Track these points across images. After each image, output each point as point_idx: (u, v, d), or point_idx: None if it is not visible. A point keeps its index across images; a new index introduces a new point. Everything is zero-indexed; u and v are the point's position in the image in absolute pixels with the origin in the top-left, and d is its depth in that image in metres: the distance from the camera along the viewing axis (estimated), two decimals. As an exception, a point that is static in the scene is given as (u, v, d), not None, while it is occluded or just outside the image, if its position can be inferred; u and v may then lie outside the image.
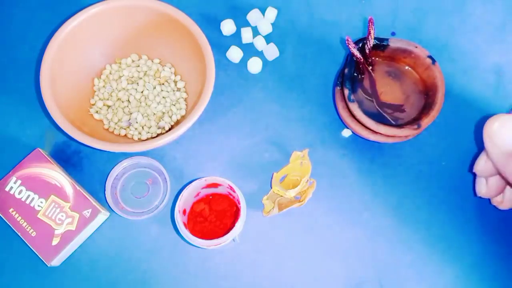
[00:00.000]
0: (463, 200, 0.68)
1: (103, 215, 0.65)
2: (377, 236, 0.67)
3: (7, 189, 0.63)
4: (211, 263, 0.65)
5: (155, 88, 0.69)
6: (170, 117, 0.68)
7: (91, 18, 0.64)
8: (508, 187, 0.61)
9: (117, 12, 0.65)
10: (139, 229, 0.66)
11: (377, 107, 0.67)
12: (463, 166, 0.69)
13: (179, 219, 0.59)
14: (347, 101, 0.65)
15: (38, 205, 0.63)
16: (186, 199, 0.61)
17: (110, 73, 0.70)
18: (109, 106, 0.69)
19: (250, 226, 0.66)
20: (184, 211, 0.62)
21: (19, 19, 0.74)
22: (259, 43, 0.73)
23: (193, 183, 0.60)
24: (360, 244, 0.66)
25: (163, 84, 0.69)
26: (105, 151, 0.64)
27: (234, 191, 0.61)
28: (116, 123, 0.68)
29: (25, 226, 0.62)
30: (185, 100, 0.70)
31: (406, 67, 0.68)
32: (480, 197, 0.65)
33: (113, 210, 0.65)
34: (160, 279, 0.65)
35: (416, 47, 0.66)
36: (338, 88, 0.68)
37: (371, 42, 0.65)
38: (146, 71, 0.69)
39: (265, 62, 0.73)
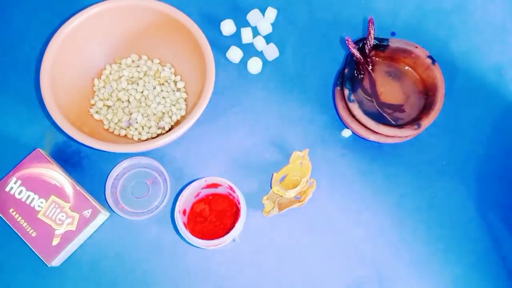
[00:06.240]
0: (463, 200, 0.68)
1: (103, 215, 0.65)
2: (377, 236, 0.67)
3: (7, 189, 0.63)
4: (211, 263, 0.65)
5: (155, 88, 0.69)
6: (170, 117, 0.68)
7: (91, 18, 0.64)
8: None
9: (117, 12, 0.65)
10: (139, 229, 0.66)
11: (377, 107, 0.67)
12: (463, 166, 0.69)
13: (179, 219, 0.59)
14: (347, 101, 0.65)
15: (38, 206, 0.63)
16: (186, 199, 0.61)
17: (110, 73, 0.70)
18: (109, 107, 0.69)
19: (250, 226, 0.66)
20: (184, 211, 0.62)
21: (19, 19, 0.74)
22: (259, 43, 0.72)
23: (193, 184, 0.60)
24: (360, 244, 0.66)
25: (163, 84, 0.69)
26: (105, 151, 0.64)
27: (234, 191, 0.61)
28: (116, 124, 0.68)
29: (25, 226, 0.62)
30: (185, 100, 0.70)
31: (406, 67, 0.68)
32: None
33: (113, 210, 0.65)
34: (160, 279, 0.65)
35: (416, 47, 0.66)
36: (338, 88, 0.68)
37: (371, 42, 0.65)
38: (146, 71, 0.69)
39: (265, 62, 0.73)
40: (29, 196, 0.63)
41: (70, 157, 0.69)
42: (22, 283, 0.64)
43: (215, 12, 0.74)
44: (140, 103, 0.68)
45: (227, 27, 0.73)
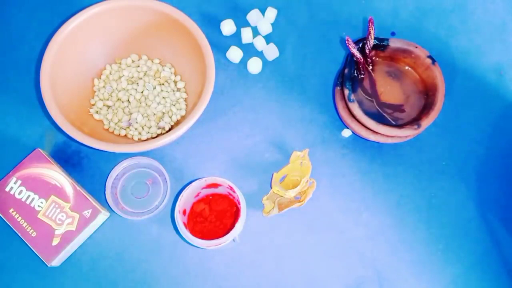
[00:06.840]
0: (463, 200, 0.68)
1: (103, 215, 0.65)
2: (377, 236, 0.67)
3: (7, 189, 0.63)
4: (211, 263, 0.65)
5: (155, 88, 0.69)
6: (170, 117, 0.68)
7: (91, 18, 0.64)
8: None
9: (117, 12, 0.65)
10: (139, 229, 0.66)
11: (377, 107, 0.67)
12: (463, 166, 0.69)
13: (179, 219, 0.59)
14: (347, 101, 0.65)
15: (38, 206, 0.63)
16: (186, 199, 0.61)
17: (110, 73, 0.70)
18: (109, 107, 0.69)
19: (250, 226, 0.66)
20: (184, 211, 0.62)
21: (19, 19, 0.74)
22: (259, 43, 0.72)
23: (193, 183, 0.60)
24: (360, 244, 0.66)
25: (163, 84, 0.69)
26: (105, 151, 0.64)
27: (234, 191, 0.61)
28: (116, 124, 0.68)
29: (25, 226, 0.62)
30: (185, 100, 0.70)
31: (406, 67, 0.68)
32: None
33: (113, 210, 0.65)
34: (160, 279, 0.65)
35: (416, 47, 0.66)
36: (338, 88, 0.68)
37: (371, 42, 0.65)
38: (146, 71, 0.69)
39: (265, 62, 0.73)
40: (29, 196, 0.63)
41: (70, 157, 0.69)
42: (22, 283, 0.64)
43: (215, 12, 0.74)
44: (140, 103, 0.68)
45: (227, 27, 0.73)
